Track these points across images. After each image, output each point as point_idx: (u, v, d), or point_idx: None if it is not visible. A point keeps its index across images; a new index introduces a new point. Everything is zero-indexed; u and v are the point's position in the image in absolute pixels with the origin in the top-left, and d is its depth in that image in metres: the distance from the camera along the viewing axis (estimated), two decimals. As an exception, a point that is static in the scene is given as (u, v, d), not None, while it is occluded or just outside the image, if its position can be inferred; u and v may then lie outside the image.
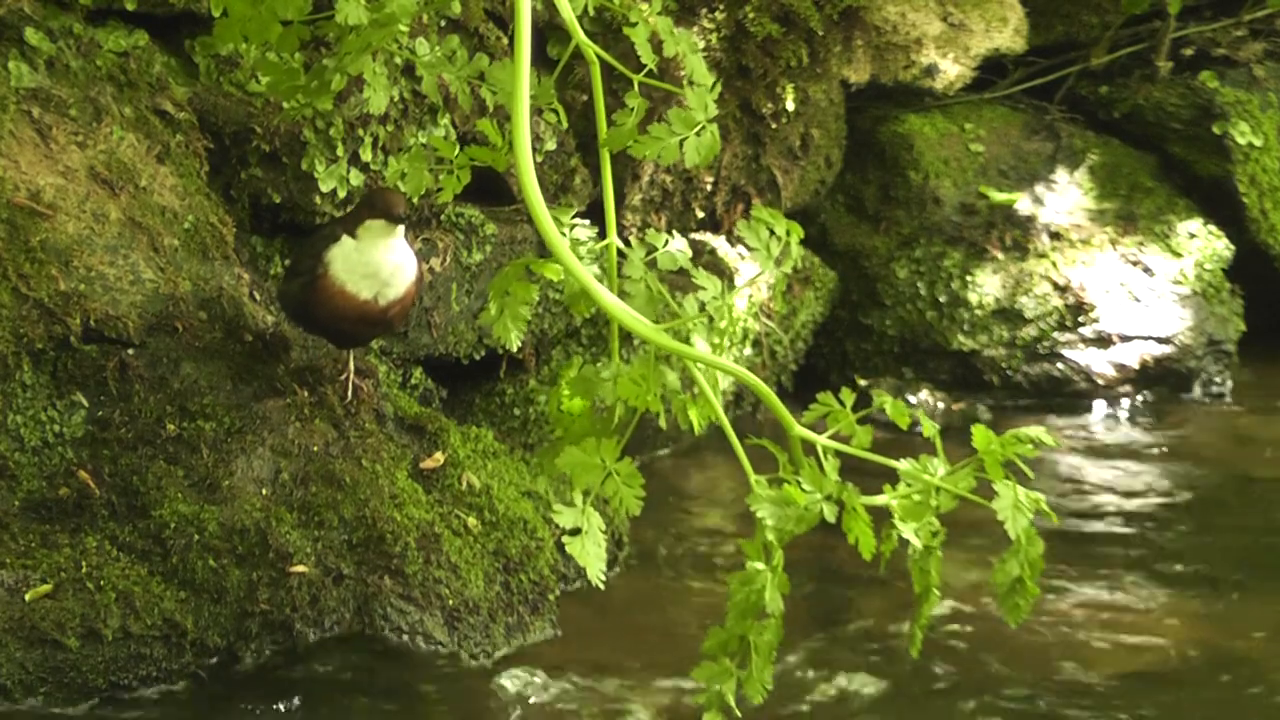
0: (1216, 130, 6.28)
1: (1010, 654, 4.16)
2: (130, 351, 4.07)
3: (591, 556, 2.82)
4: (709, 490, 5.19)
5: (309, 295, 4.10)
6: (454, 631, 4.02)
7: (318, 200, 4.63)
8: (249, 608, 3.86)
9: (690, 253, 3.00)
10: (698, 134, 2.95)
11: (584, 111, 5.17)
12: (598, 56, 3.00)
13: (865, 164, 6.11)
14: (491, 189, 4.97)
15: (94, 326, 4.05)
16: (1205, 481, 5.37)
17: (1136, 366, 5.99)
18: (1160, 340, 6.03)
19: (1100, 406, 5.94)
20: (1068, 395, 5.95)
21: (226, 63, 4.64)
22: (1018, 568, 2.76)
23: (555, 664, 4.02)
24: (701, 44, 5.46)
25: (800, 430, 2.81)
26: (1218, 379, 6.11)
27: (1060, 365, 5.96)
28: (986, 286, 5.94)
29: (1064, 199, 6.16)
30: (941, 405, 5.83)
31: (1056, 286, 5.97)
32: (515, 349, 3.18)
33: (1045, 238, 6.03)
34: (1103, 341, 5.98)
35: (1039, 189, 6.16)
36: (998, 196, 6.06)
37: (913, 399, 5.83)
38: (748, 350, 5.58)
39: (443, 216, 4.89)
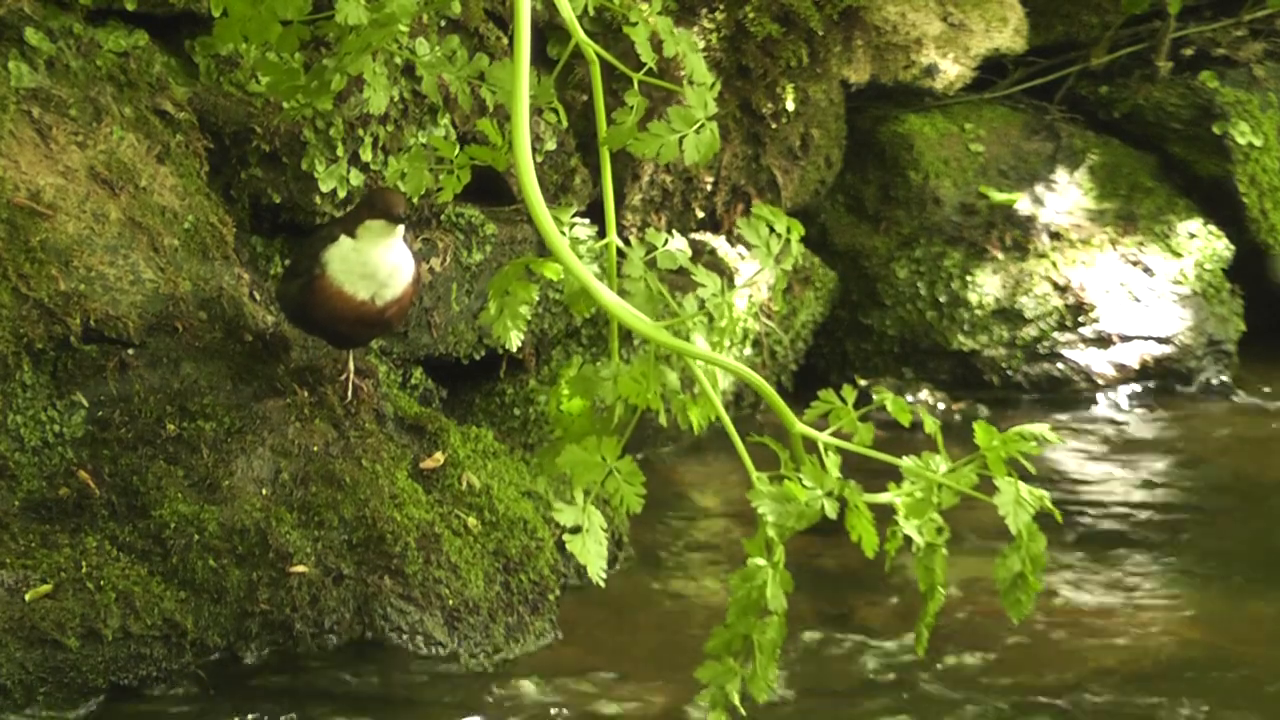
0: (1216, 130, 6.28)
1: (1011, 653, 4.16)
2: (130, 351, 4.07)
3: (592, 554, 2.82)
4: (710, 490, 5.18)
5: (307, 296, 4.10)
6: (454, 631, 4.01)
7: (318, 200, 4.63)
8: (249, 608, 3.86)
9: (690, 252, 3.00)
10: (697, 131, 2.95)
11: (584, 111, 5.17)
12: (597, 56, 3.00)
13: (865, 164, 6.11)
14: (491, 189, 4.97)
15: (94, 326, 4.05)
16: (1205, 481, 5.37)
17: (1136, 366, 5.99)
18: (1160, 340, 6.03)
19: (1100, 406, 5.94)
20: (1068, 395, 5.95)
21: (226, 63, 4.64)
22: (1019, 563, 2.76)
23: (555, 664, 4.02)
24: (701, 44, 5.46)
25: (801, 427, 2.81)
26: (1218, 379, 6.10)
27: (1060, 365, 5.96)
28: (986, 286, 5.94)
29: (1064, 199, 6.16)
30: (941, 405, 5.83)
31: (1056, 286, 5.97)
32: (515, 349, 3.18)
33: (1045, 238, 6.03)
34: (1103, 341, 5.98)
35: (1039, 189, 6.16)
36: (998, 196, 6.06)
37: (913, 399, 5.83)
38: (748, 350, 5.58)
39: (443, 216, 4.89)
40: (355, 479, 4.07)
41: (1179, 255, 6.13)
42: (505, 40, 5.01)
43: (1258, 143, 6.29)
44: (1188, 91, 6.36)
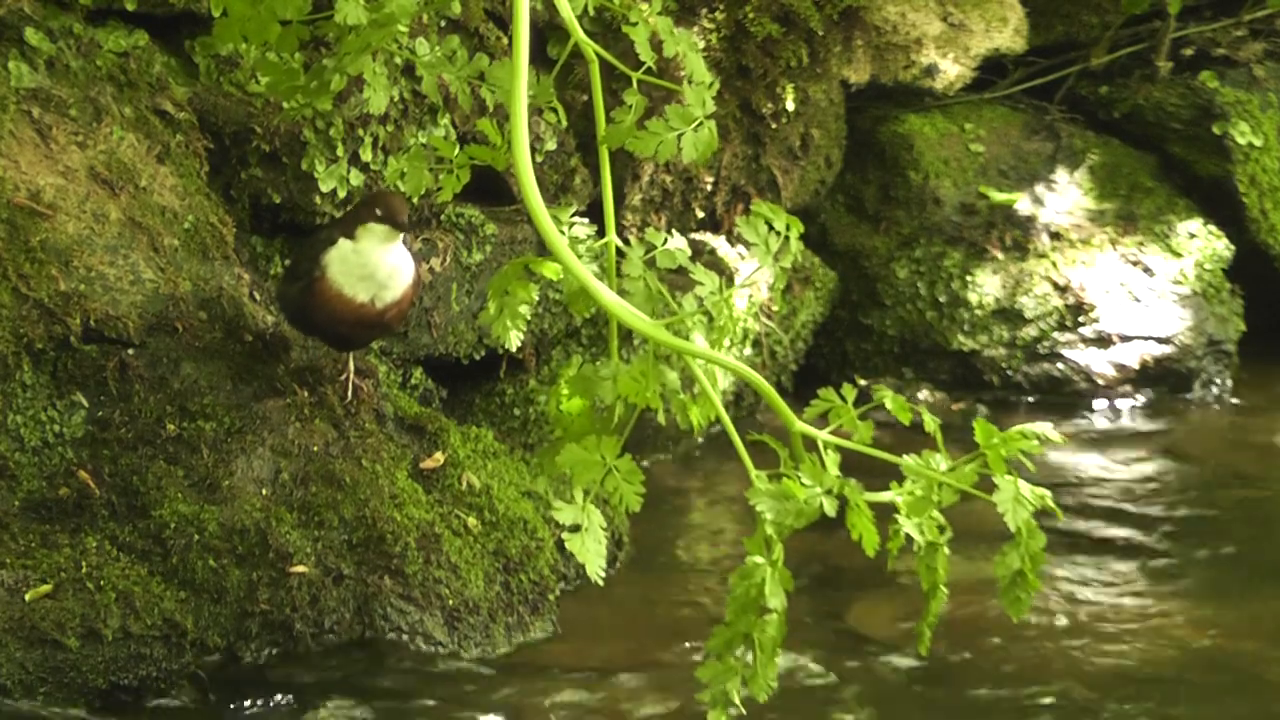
0: (1216, 130, 6.28)
1: (1010, 653, 4.16)
2: (130, 351, 4.07)
3: (591, 554, 2.82)
4: (709, 490, 5.18)
5: (307, 299, 4.10)
6: (454, 631, 4.01)
7: (318, 200, 4.63)
8: (249, 608, 3.86)
9: (689, 251, 3.00)
10: (695, 130, 2.95)
11: (584, 111, 5.17)
12: (597, 56, 3.00)
13: (865, 164, 6.10)
14: (491, 189, 4.97)
15: (94, 326, 4.05)
16: (1205, 481, 5.37)
17: (1136, 366, 5.99)
18: (1160, 340, 6.02)
19: (1100, 406, 5.94)
20: (1068, 395, 5.95)
21: (226, 63, 4.64)
22: (1018, 561, 2.76)
23: (555, 663, 4.02)
24: (701, 44, 5.46)
25: (801, 426, 2.81)
26: (1218, 379, 6.10)
27: (1060, 365, 5.96)
28: (986, 286, 5.94)
29: (1064, 199, 6.16)
30: (942, 405, 5.82)
31: (1056, 286, 5.97)
32: (514, 349, 3.18)
33: (1045, 238, 6.03)
34: (1103, 341, 5.98)
35: (1039, 189, 6.16)
36: (998, 196, 6.06)
37: (913, 399, 5.83)
38: (748, 350, 5.58)
39: (443, 216, 4.89)
40: (355, 479, 4.07)
41: (1179, 255, 6.13)
42: (505, 40, 5.01)
43: (1258, 143, 6.29)
44: (1188, 91, 6.36)
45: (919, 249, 5.97)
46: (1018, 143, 6.25)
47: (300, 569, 3.91)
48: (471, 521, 4.17)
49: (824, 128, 5.86)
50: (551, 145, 5.09)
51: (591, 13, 3.17)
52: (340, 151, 4.63)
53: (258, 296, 4.37)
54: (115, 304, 4.10)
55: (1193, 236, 6.17)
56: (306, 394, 4.17)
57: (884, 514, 2.85)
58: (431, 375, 4.94)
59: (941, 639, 4.12)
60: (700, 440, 5.34)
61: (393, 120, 4.72)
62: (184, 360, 4.12)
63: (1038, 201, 6.12)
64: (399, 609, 3.97)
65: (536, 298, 3.14)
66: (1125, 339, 5.99)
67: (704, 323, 2.87)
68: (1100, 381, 5.97)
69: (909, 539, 2.81)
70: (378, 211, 4.02)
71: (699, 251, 5.52)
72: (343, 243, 4.06)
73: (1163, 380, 6.02)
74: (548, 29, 4.92)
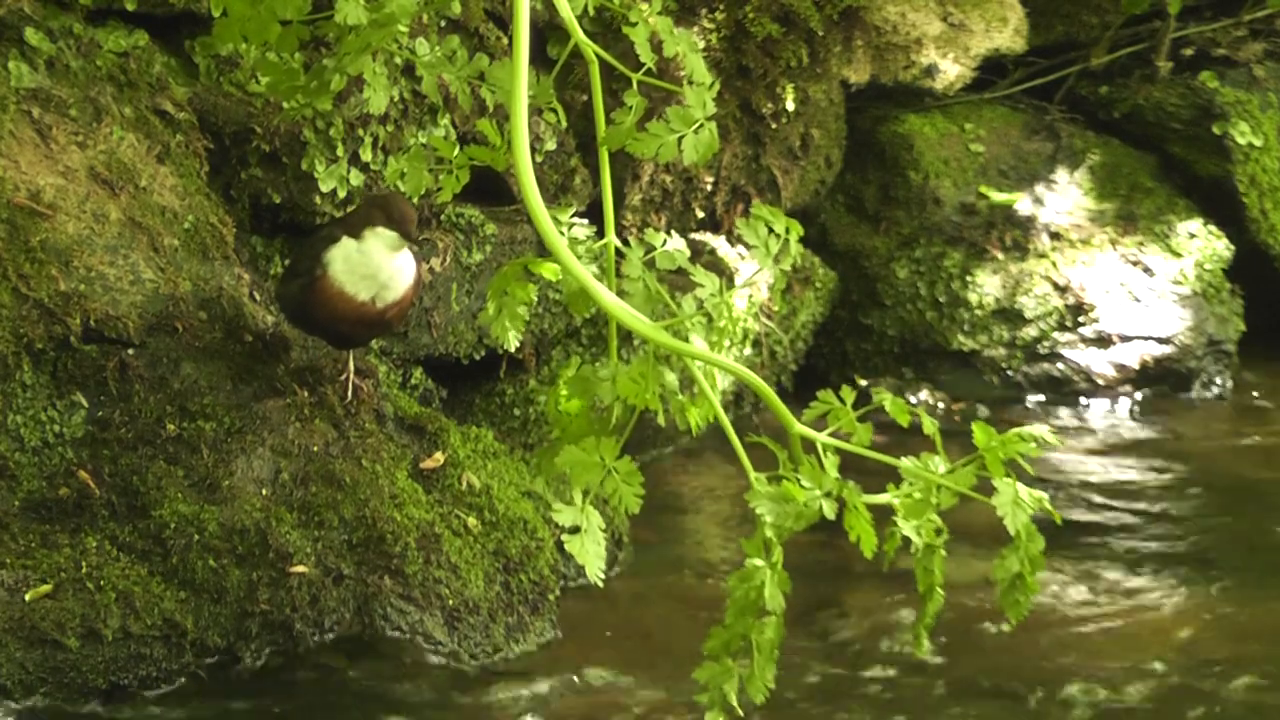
0: (1216, 130, 6.28)
1: (1010, 653, 4.16)
2: (130, 351, 4.07)
3: (591, 555, 2.82)
4: (709, 491, 5.19)
5: (307, 296, 4.10)
6: (454, 631, 4.02)
7: (318, 200, 4.63)
8: (249, 608, 3.87)
9: (689, 252, 3.00)
10: (696, 131, 2.95)
11: (584, 111, 5.17)
12: (597, 56, 3.00)
13: (865, 164, 6.11)
14: (491, 189, 4.97)
15: (94, 326, 4.05)
16: (1205, 481, 5.37)
17: (1136, 366, 5.99)
18: (1160, 340, 6.03)
19: (1100, 406, 5.94)
20: (1068, 395, 5.95)
21: (226, 63, 4.64)
22: (1017, 564, 2.76)
23: (555, 664, 4.02)
24: (701, 44, 5.46)
25: (800, 428, 2.81)
26: (1218, 379, 6.10)
27: (1060, 365, 5.96)
28: (986, 286, 5.94)
29: (1064, 199, 6.16)
30: (941, 405, 5.83)
31: (1056, 286, 5.97)
32: (513, 349, 3.18)
33: (1045, 238, 6.03)
34: (1103, 341, 5.98)
35: (1039, 189, 6.16)
36: (998, 196, 6.06)
37: (913, 399, 5.83)
38: (748, 350, 5.58)
39: (443, 216, 4.89)
40: (355, 479, 4.07)
41: (1179, 255, 6.13)
42: (505, 40, 5.01)
43: (1258, 143, 6.29)
44: (1188, 91, 6.36)
45: (919, 249, 5.97)
46: (1018, 143, 6.25)
47: (300, 569, 3.91)
48: (471, 521, 4.17)
49: (824, 128, 5.86)
50: (551, 145, 5.10)
51: (591, 13, 3.17)
52: (340, 151, 4.63)
53: (258, 296, 4.37)
54: (115, 304, 4.10)
55: (1193, 236, 6.17)
56: (306, 394, 4.17)
57: (883, 515, 2.85)
58: (431, 375, 4.95)
59: (941, 639, 4.14)
60: (700, 439, 5.34)
61: (393, 120, 4.72)
62: (184, 360, 4.12)
63: (1038, 201, 6.13)
64: (399, 609, 3.97)
65: (536, 298, 3.14)
66: (1125, 339, 5.99)
67: (704, 324, 2.87)
68: (1100, 381, 5.97)
69: (906, 540, 2.81)
70: (388, 217, 4.01)
71: (699, 251, 5.52)
72: (346, 241, 4.06)
73: (1163, 380, 6.02)
74: (548, 29, 4.92)
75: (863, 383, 5.76)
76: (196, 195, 4.39)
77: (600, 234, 3.03)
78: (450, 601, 4.03)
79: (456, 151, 3.27)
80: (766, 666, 2.75)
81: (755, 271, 5.21)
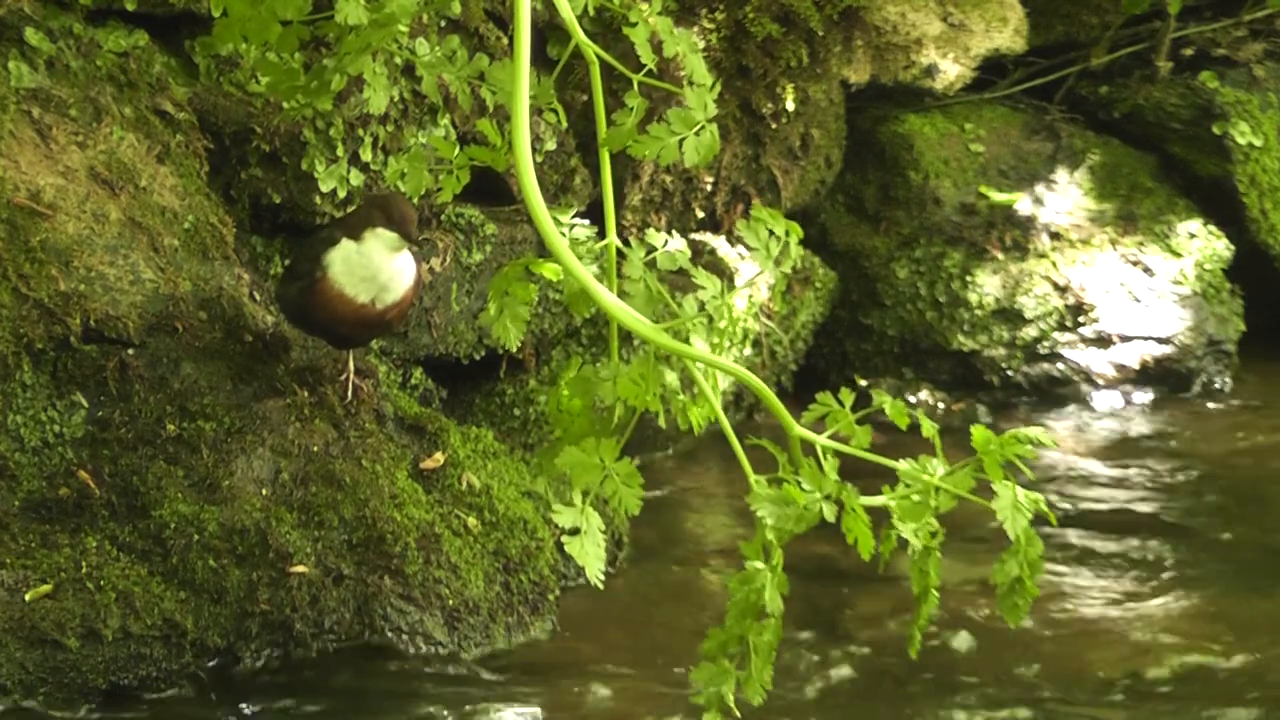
0: (1216, 130, 6.28)
1: (1010, 654, 4.16)
2: (130, 351, 4.07)
3: (591, 556, 2.82)
4: (709, 491, 5.18)
5: (307, 298, 4.10)
6: (454, 631, 4.02)
7: (318, 200, 4.63)
8: (249, 608, 3.87)
9: (689, 252, 3.00)
10: (697, 134, 2.95)
11: (584, 111, 5.17)
12: (597, 56, 3.00)
13: (865, 164, 6.10)
14: (491, 189, 4.97)
15: (94, 326, 4.05)
16: (1205, 481, 5.37)
17: (1136, 366, 5.99)
18: (1160, 340, 6.02)
19: (1100, 407, 5.93)
20: (1068, 395, 5.95)
21: (226, 63, 4.64)
22: (1016, 568, 2.76)
23: (555, 664, 4.02)
24: (701, 44, 5.46)
25: (800, 430, 2.81)
26: (1218, 379, 6.10)
27: (1060, 365, 5.96)
28: (986, 286, 5.93)
29: (1064, 199, 6.16)
30: (941, 405, 5.83)
31: (1056, 286, 5.97)
32: (514, 349, 3.18)
33: (1045, 238, 6.03)
34: (1103, 341, 5.98)
35: (1039, 189, 6.16)
36: (998, 196, 6.06)
37: (913, 399, 5.83)
38: (748, 350, 5.58)
39: (443, 216, 4.89)
40: (355, 479, 4.08)
41: (1179, 255, 6.13)
42: (505, 40, 5.01)
43: (1258, 143, 6.29)
44: (1188, 91, 6.36)
45: (919, 249, 5.97)
46: (1018, 143, 6.25)
47: (300, 569, 3.91)
48: (471, 521, 4.17)
49: (824, 128, 5.86)
50: (551, 145, 5.09)
51: (592, 13, 3.17)
52: (340, 151, 4.63)
53: (258, 296, 4.37)
54: (115, 304, 4.10)
55: (1193, 236, 6.17)
56: (306, 394, 4.17)
57: (882, 516, 2.85)
58: (431, 375, 4.95)
59: (939, 638, 4.14)
60: (700, 440, 5.34)
61: (393, 120, 4.72)
62: (184, 360, 4.12)
63: (1038, 201, 6.12)
64: (399, 609, 3.97)
65: (536, 298, 3.14)
66: (1125, 339, 5.99)
67: (704, 325, 2.87)
68: (1100, 381, 5.97)
69: (903, 542, 2.81)
70: (388, 218, 4.01)
71: (699, 252, 5.52)
72: (346, 243, 4.06)
73: (1163, 380, 6.02)
74: (548, 29, 4.92)
75: (863, 383, 5.75)
76: (196, 195, 4.39)
77: (601, 234, 3.03)
78: (450, 601, 4.03)
79: (456, 151, 3.27)
80: (764, 668, 2.75)
81: (756, 273, 5.23)
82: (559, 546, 4.23)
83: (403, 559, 4.00)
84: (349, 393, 4.23)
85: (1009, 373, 5.93)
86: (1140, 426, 5.82)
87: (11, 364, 3.96)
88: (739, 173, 5.67)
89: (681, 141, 2.95)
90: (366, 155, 4.67)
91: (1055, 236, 6.04)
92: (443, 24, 4.84)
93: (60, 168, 4.21)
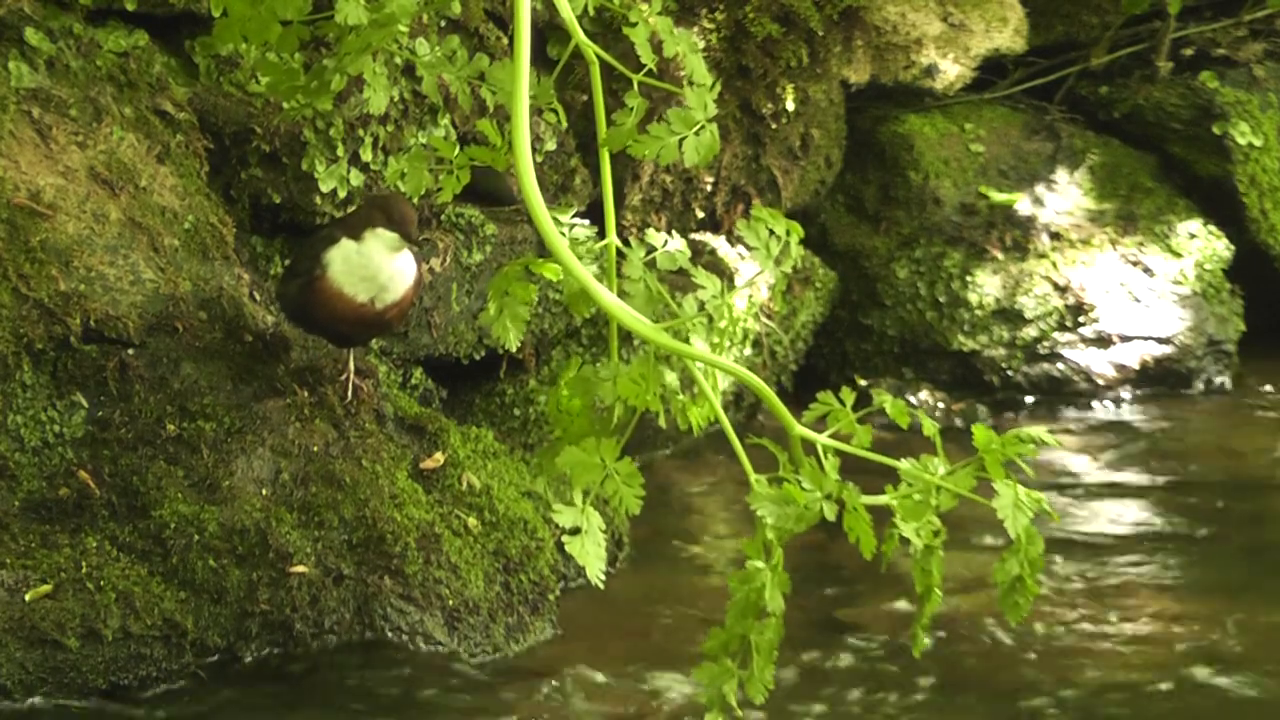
0: (1216, 130, 6.28)
1: (1009, 654, 4.16)
2: (130, 351, 4.07)
3: (591, 556, 2.82)
4: (709, 491, 5.19)
5: (307, 297, 4.10)
6: (454, 632, 4.02)
7: (318, 200, 4.63)
8: (249, 608, 3.87)
9: (689, 252, 3.00)
10: (697, 133, 2.95)
11: (584, 111, 5.17)
12: (597, 56, 3.00)
13: (865, 164, 6.11)
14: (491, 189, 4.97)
15: (94, 326, 4.05)
16: (1205, 481, 5.37)
17: (1136, 366, 5.99)
18: (1160, 340, 6.03)
19: (1100, 407, 5.94)
20: (1068, 395, 5.95)
21: (226, 63, 4.64)
22: (1018, 566, 2.76)
23: (555, 664, 4.02)
24: (701, 44, 5.46)
25: (800, 429, 2.81)
26: (1218, 379, 6.11)
27: (1060, 365, 5.96)
28: (986, 287, 5.94)
29: (1064, 199, 6.16)
30: (941, 405, 5.83)
31: (1056, 287, 5.97)
32: (514, 349, 3.18)
33: (1045, 238, 6.03)
34: (1103, 342, 5.98)
35: (1039, 189, 6.16)
36: (998, 197, 6.06)
37: (913, 399, 5.83)
38: (748, 351, 5.58)
39: (443, 216, 4.89)
40: (355, 479, 4.07)
41: (1179, 255, 6.13)
42: (505, 40, 5.01)
43: (1258, 143, 6.29)
44: (1188, 91, 6.36)
45: (919, 249, 5.97)
46: (1018, 143, 6.25)
47: (300, 569, 3.91)
48: (471, 521, 4.17)
49: (824, 128, 5.86)
50: (551, 145, 5.10)
51: (592, 13, 3.16)
52: (340, 151, 4.63)
53: (258, 296, 4.37)
54: (115, 304, 4.10)
55: (1193, 236, 6.17)
56: (306, 394, 4.17)
57: (882, 515, 2.85)
58: (431, 375, 4.95)
59: (940, 638, 4.14)
60: (700, 440, 5.35)
61: (393, 120, 4.72)
62: (184, 360, 4.12)
63: (1038, 201, 6.13)
64: (399, 609, 3.97)
65: (536, 298, 3.14)
66: (1125, 339, 5.99)
67: (704, 325, 2.87)
68: (1100, 382, 5.97)
69: (904, 541, 2.81)
70: (389, 218, 4.01)
71: (699, 252, 5.53)
72: (346, 242, 4.06)
73: (1163, 380, 6.02)
74: (548, 29, 4.92)
75: (863, 383, 5.75)
76: (196, 195, 4.39)
77: (601, 234, 3.03)
78: (450, 601, 4.03)
79: (457, 151, 3.26)
80: (766, 667, 2.75)
81: (756, 274, 5.23)
82: (559, 546, 4.23)
83: (403, 559, 4.00)
84: (349, 393, 4.23)
85: (1009, 373, 5.93)
86: (1140, 427, 5.82)
87: (11, 364, 3.96)
88: (739, 173, 5.67)
89: (681, 141, 2.95)
90: (366, 155, 4.67)
91: (1055, 236, 6.05)
92: (443, 24, 4.84)
93: (60, 168, 4.21)
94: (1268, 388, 6.16)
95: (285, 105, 4.36)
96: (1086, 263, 6.02)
